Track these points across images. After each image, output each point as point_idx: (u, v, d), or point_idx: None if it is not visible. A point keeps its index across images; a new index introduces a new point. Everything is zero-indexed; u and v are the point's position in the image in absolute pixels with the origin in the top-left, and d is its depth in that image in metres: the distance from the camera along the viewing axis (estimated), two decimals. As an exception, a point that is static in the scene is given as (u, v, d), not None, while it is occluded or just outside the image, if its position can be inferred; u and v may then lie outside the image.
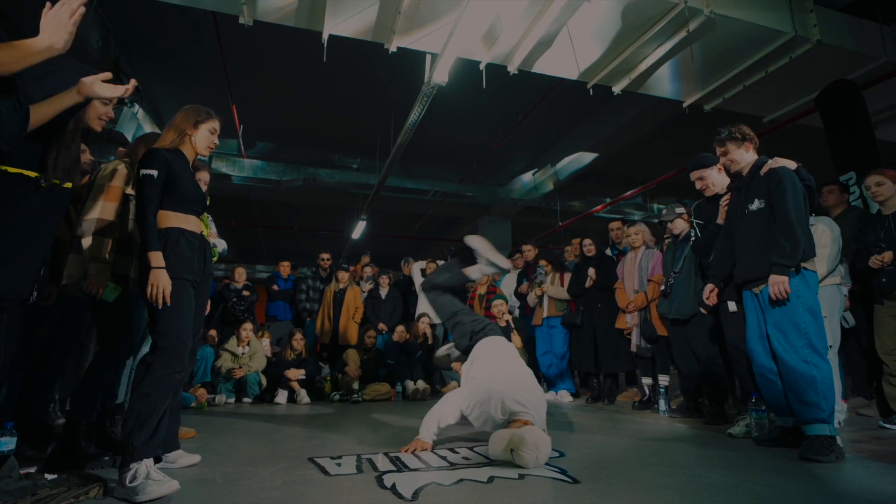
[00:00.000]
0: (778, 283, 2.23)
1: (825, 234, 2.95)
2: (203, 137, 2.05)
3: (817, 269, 2.88)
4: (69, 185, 1.70)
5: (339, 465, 2.04)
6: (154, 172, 1.85)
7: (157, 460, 1.87)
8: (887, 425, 2.87)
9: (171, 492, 1.64)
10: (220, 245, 2.99)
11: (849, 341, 3.44)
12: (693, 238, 3.24)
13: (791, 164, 2.39)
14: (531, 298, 4.98)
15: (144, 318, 2.34)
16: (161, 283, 1.77)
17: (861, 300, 3.29)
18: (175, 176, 1.91)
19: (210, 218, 2.41)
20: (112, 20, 5.36)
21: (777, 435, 2.43)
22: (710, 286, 2.70)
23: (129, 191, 2.25)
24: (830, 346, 2.89)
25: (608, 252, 4.93)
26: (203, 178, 2.65)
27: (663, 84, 5.12)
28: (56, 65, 1.63)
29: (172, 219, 1.91)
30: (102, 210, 2.12)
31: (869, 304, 3.19)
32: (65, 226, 2.29)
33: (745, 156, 2.51)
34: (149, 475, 1.64)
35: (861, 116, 4.52)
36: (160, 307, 1.77)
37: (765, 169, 2.41)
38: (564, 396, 4.58)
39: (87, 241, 2.08)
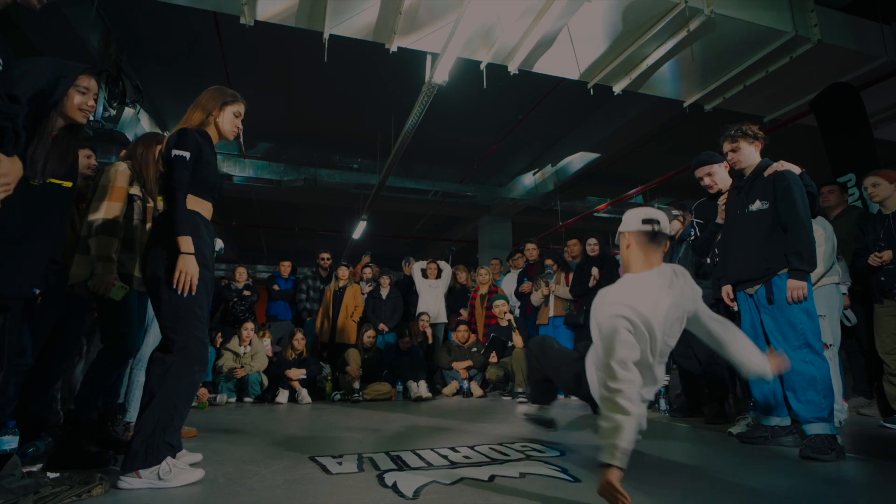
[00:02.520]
0: (798, 289, 2.23)
1: (818, 234, 2.93)
2: (228, 120, 1.97)
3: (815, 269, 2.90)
4: (69, 184, 1.68)
5: (340, 463, 2.04)
6: (187, 154, 1.75)
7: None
8: (888, 425, 2.88)
9: (199, 478, 1.74)
10: (218, 244, 3.00)
11: (850, 340, 3.44)
12: (692, 237, 3.23)
13: (796, 169, 2.38)
14: (537, 297, 4.97)
15: (147, 315, 2.35)
16: (191, 270, 1.69)
17: (861, 299, 3.29)
18: (203, 159, 1.83)
19: None
20: (113, 20, 5.37)
21: (761, 433, 2.44)
22: (725, 288, 2.60)
23: (133, 191, 2.26)
24: (831, 345, 2.89)
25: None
26: None
27: (664, 84, 5.12)
28: (32, 63, 1.61)
29: (193, 203, 1.80)
30: (107, 210, 2.14)
31: (869, 303, 3.19)
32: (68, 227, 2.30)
33: (753, 154, 2.50)
34: (175, 465, 1.71)
35: (859, 119, 4.52)
36: (185, 296, 1.70)
37: (770, 171, 2.40)
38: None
39: (93, 242, 2.10)
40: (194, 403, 4.11)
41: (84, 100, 1.73)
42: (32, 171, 1.52)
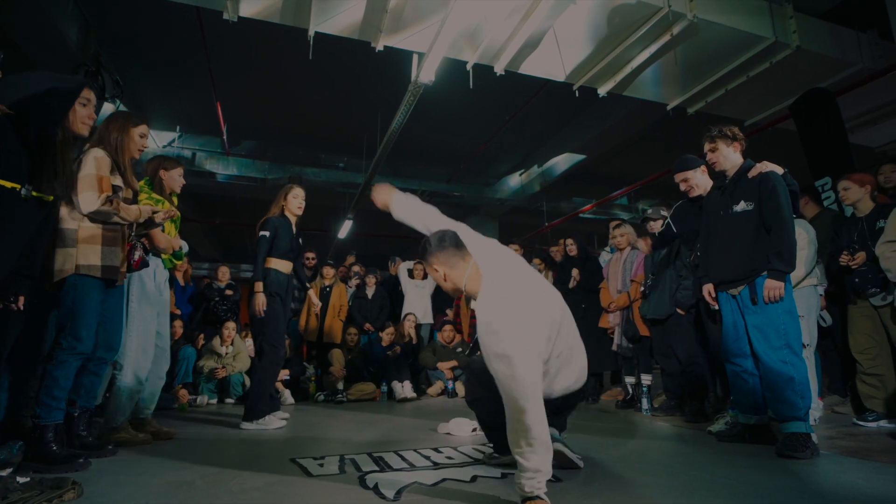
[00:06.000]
0: (776, 289, 2.27)
1: (801, 237, 3.00)
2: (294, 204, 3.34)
3: (796, 271, 2.96)
4: (50, 197, 1.66)
5: (321, 465, 2.02)
6: (267, 234, 3.17)
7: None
8: (861, 422, 2.95)
9: (283, 425, 3.06)
10: (185, 246, 3.00)
11: (825, 340, 3.52)
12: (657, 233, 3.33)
13: (779, 170, 2.41)
14: None
15: (109, 316, 2.24)
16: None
17: (836, 300, 3.37)
18: (279, 235, 3.22)
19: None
20: (91, 13, 5.24)
21: (738, 432, 2.48)
22: (707, 287, 2.59)
23: (114, 181, 2.14)
24: (808, 345, 2.95)
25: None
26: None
27: (648, 86, 5.18)
28: (23, 78, 1.61)
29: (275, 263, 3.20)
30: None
31: (843, 304, 3.26)
32: None
33: (732, 155, 2.53)
34: (272, 416, 3.06)
35: (835, 123, 4.62)
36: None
37: (754, 172, 2.43)
38: None
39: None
40: (175, 405, 4.04)
41: (88, 112, 1.81)
42: (47, 186, 1.61)
